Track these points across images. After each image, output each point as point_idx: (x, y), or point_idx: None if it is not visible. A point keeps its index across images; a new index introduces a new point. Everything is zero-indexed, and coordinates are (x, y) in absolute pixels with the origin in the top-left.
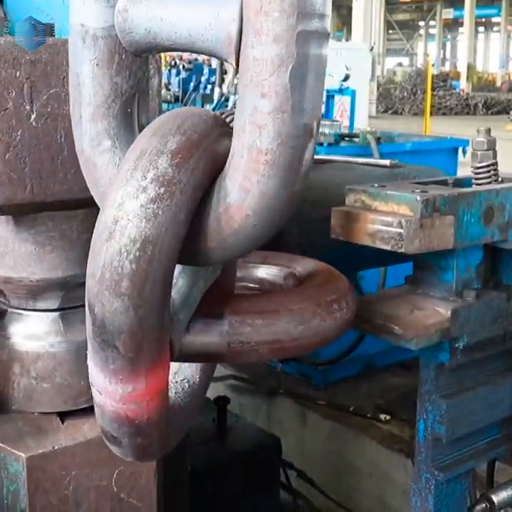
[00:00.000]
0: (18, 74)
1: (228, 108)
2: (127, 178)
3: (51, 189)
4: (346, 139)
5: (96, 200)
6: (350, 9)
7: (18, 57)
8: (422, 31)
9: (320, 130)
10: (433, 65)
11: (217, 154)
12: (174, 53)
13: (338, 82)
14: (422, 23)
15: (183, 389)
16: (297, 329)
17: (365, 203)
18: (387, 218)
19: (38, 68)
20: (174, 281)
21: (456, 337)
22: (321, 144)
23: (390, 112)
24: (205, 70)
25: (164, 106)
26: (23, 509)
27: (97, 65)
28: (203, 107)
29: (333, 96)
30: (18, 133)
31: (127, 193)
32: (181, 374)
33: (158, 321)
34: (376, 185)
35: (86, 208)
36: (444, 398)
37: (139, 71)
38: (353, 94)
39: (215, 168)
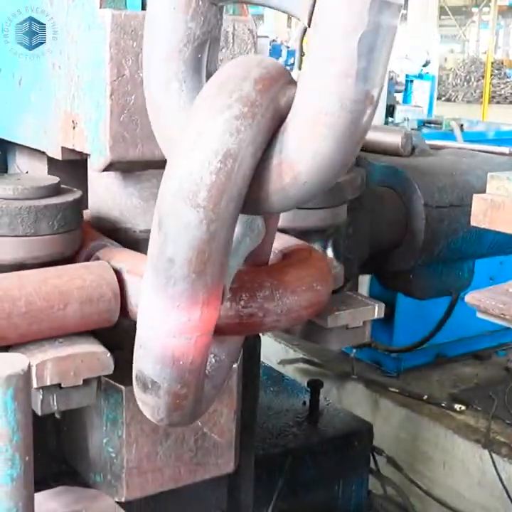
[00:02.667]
0: (134, 44)
1: None
2: (213, 96)
3: (158, 149)
4: (426, 124)
5: (158, 140)
6: None
7: (135, 29)
8: (475, 18)
9: (404, 115)
10: (484, 53)
11: (287, 98)
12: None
13: (418, 67)
14: (475, 10)
15: (210, 363)
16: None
17: (510, 191)
18: None
19: None
20: None
21: None
22: None
23: (443, 98)
24: (284, 52)
25: None
26: (121, 436)
27: (174, 8)
28: None
29: (412, 81)
30: (132, 97)
31: (213, 109)
32: (210, 350)
33: (226, 243)
34: None
35: None
36: None
37: (213, 18)
38: (433, 79)
39: (283, 113)
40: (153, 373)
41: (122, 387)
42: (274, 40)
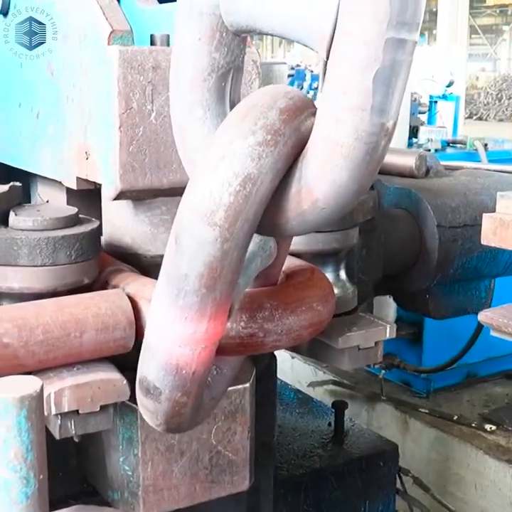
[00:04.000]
0: (141, 78)
1: None
2: (239, 122)
3: (166, 177)
4: (451, 145)
5: (183, 164)
6: (432, 14)
7: (142, 63)
8: (506, 36)
9: (427, 136)
10: None
11: (308, 128)
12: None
13: (441, 88)
14: (506, 28)
15: (211, 374)
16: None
17: None
18: None
19: (158, 73)
20: None
21: None
22: (429, 150)
23: (474, 117)
24: (308, 76)
25: None
26: (136, 454)
27: (199, 39)
28: None
29: (436, 102)
30: (141, 129)
31: (238, 134)
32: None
33: (238, 261)
34: None
35: None
36: None
37: (236, 49)
38: (457, 100)
39: (304, 142)
40: (155, 379)
41: (137, 406)
42: (298, 65)
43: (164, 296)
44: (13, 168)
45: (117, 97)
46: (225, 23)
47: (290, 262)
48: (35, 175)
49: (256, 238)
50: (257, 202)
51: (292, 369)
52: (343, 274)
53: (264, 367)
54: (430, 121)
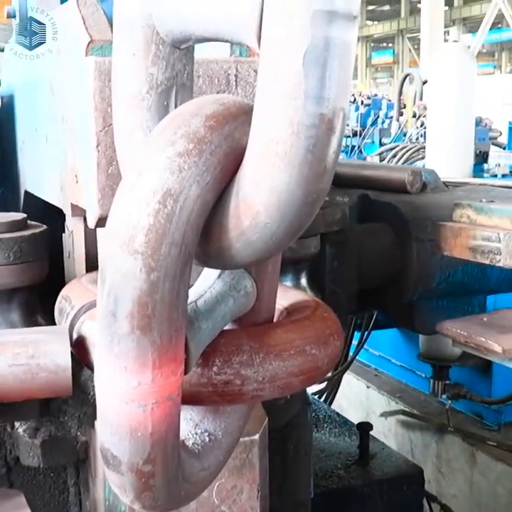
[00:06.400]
0: None
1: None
2: (158, 134)
3: None
4: None
5: None
6: None
7: None
8: None
9: (497, 161)
10: None
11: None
12: (354, 90)
13: None
14: None
15: (202, 441)
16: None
17: (471, 218)
18: (486, 233)
19: None
20: (201, 292)
21: None
22: (495, 175)
23: None
24: (384, 105)
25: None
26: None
27: (133, 54)
28: (380, 141)
29: None
30: None
31: (155, 148)
32: (202, 426)
33: (171, 294)
34: (484, 200)
35: None
36: None
37: (178, 63)
38: None
39: (242, 152)
40: (112, 446)
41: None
42: (375, 95)
43: (100, 344)
44: None
45: (94, 113)
46: (160, 34)
47: (296, 297)
48: None
49: (226, 276)
50: (183, 221)
51: (367, 399)
52: (304, 282)
53: (295, 415)
54: (510, 146)
